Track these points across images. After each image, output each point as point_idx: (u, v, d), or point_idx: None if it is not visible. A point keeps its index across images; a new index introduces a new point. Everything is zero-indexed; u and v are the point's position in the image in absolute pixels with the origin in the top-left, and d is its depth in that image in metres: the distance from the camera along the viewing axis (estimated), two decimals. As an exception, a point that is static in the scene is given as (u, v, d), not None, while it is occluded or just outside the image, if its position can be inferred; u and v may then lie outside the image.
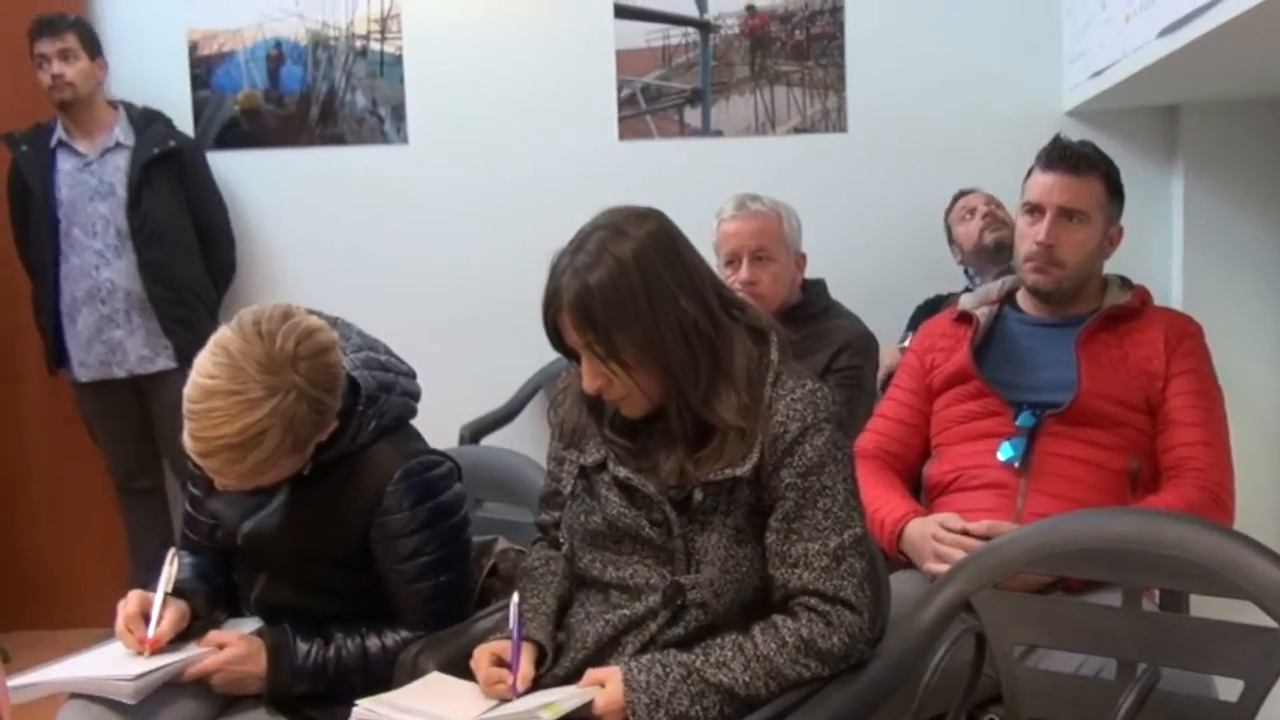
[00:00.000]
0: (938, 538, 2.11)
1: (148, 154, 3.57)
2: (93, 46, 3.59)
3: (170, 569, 1.87)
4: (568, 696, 1.56)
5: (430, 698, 1.66)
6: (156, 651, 1.78)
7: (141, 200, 3.55)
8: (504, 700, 1.63)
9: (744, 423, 1.62)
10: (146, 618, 1.81)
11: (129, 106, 3.71)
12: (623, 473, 1.67)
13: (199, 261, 3.67)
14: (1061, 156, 2.29)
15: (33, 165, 3.60)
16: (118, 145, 3.60)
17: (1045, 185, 2.28)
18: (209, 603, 1.91)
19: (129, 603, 1.83)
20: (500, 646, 1.69)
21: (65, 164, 3.60)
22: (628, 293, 1.58)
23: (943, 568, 1.97)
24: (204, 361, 1.66)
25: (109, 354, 3.58)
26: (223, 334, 1.68)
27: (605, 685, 1.57)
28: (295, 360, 1.66)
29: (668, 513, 1.63)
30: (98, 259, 3.56)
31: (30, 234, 3.64)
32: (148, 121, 3.67)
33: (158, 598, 1.83)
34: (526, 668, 1.65)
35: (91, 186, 3.58)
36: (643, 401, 1.65)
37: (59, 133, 3.62)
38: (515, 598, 1.70)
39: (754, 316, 1.74)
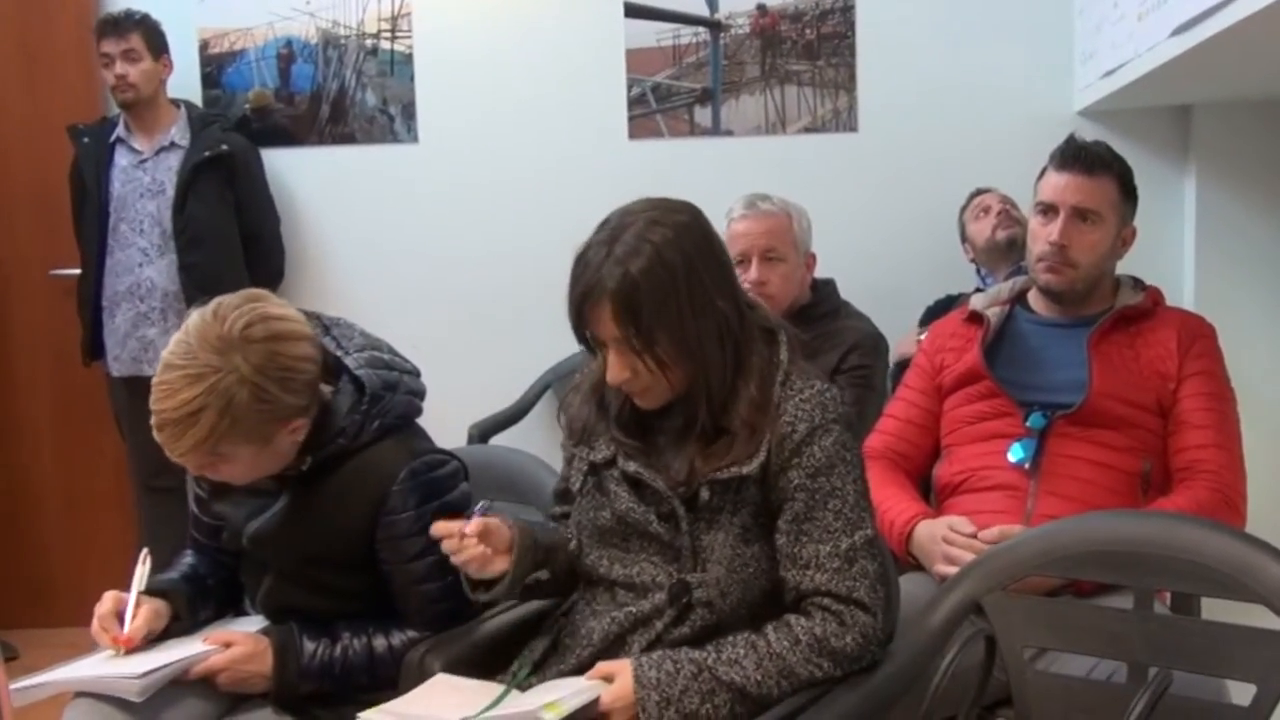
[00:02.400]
0: (948, 540, 2.10)
1: (198, 156, 3.56)
2: (157, 45, 3.58)
3: (143, 568, 1.88)
4: (572, 694, 1.55)
5: (430, 701, 1.65)
6: (133, 650, 1.79)
7: (187, 202, 3.54)
8: (500, 699, 1.62)
9: (755, 421, 1.62)
10: (121, 617, 1.82)
11: (190, 106, 3.72)
12: (632, 467, 1.67)
13: (242, 267, 3.63)
14: (1076, 156, 2.27)
15: (90, 158, 3.61)
16: (173, 145, 3.60)
17: (1059, 185, 2.27)
18: (190, 603, 1.91)
19: (103, 603, 1.84)
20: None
21: (121, 160, 3.61)
22: (670, 288, 1.57)
23: (952, 570, 1.96)
24: (171, 340, 1.70)
25: (141, 351, 3.58)
26: (193, 315, 1.72)
27: (614, 680, 1.56)
28: (242, 343, 1.67)
29: (676, 508, 1.63)
30: (141, 256, 3.57)
31: (81, 226, 3.66)
32: (205, 123, 3.66)
33: (131, 597, 1.84)
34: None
35: (144, 184, 3.58)
36: (664, 395, 1.65)
37: (119, 128, 3.63)
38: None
39: (764, 316, 1.74)
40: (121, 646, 1.79)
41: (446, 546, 1.64)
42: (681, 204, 1.67)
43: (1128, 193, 2.30)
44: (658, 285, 1.56)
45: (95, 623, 1.82)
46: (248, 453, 1.73)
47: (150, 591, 1.88)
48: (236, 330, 1.68)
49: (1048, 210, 2.29)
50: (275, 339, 1.71)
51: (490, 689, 1.66)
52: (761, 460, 1.61)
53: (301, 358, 1.74)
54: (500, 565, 1.66)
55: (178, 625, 1.89)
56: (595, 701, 1.55)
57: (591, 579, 1.74)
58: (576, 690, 1.56)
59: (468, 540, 1.62)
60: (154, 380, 1.68)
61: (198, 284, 3.50)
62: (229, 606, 2.01)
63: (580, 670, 1.65)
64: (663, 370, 1.60)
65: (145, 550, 1.93)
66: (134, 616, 1.82)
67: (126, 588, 1.88)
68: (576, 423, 1.78)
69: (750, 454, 1.61)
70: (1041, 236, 2.29)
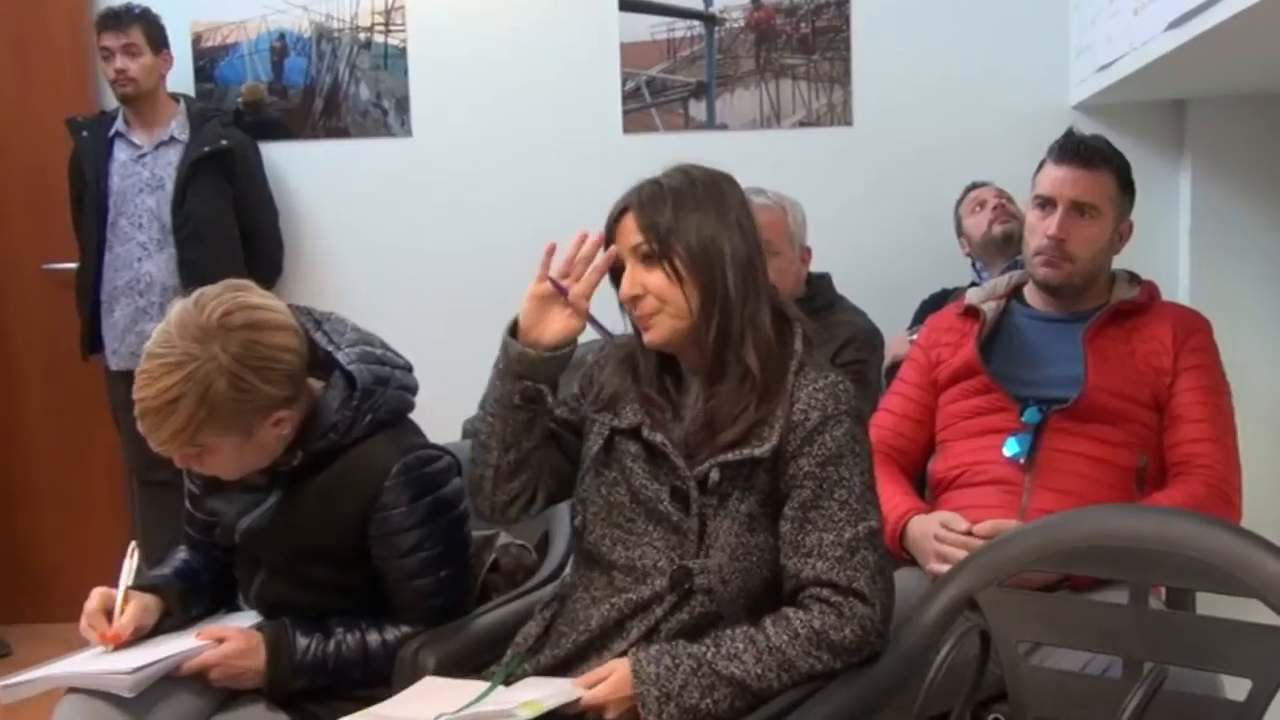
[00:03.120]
0: (940, 538, 2.09)
1: (198, 151, 3.56)
2: (158, 39, 3.59)
3: (130, 562, 1.88)
4: (551, 695, 1.54)
5: (414, 702, 1.64)
6: (122, 645, 1.79)
7: (186, 197, 3.54)
8: (482, 696, 1.61)
9: (761, 375, 1.63)
10: (110, 613, 1.82)
11: (189, 101, 3.72)
12: (659, 438, 1.67)
13: (241, 262, 3.62)
14: (1075, 150, 2.27)
15: (89, 152, 3.61)
16: (172, 140, 3.60)
17: (1057, 179, 2.27)
18: (182, 598, 1.91)
19: (91, 600, 1.83)
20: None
21: (121, 154, 3.61)
22: (695, 203, 1.66)
23: (945, 568, 1.97)
24: (155, 330, 1.73)
25: (140, 345, 3.56)
26: (176, 305, 1.74)
27: (612, 677, 1.55)
28: (220, 331, 1.68)
29: (690, 487, 1.63)
30: (140, 251, 3.57)
31: (80, 220, 3.66)
32: (204, 118, 3.66)
33: (119, 593, 1.84)
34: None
35: (143, 179, 3.58)
36: (673, 323, 1.66)
37: (118, 122, 3.63)
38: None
39: (782, 301, 1.75)
40: (110, 643, 1.78)
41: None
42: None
43: (1125, 187, 2.29)
44: (681, 194, 1.66)
45: (84, 620, 1.82)
46: (230, 444, 1.73)
47: (142, 587, 1.87)
48: (215, 319, 1.68)
49: (1045, 204, 2.28)
50: (253, 327, 1.71)
51: (478, 687, 1.65)
52: (773, 444, 1.61)
53: (281, 347, 1.73)
54: (576, 322, 1.71)
55: (170, 621, 1.88)
56: (575, 702, 1.54)
57: (591, 559, 1.73)
58: (558, 691, 1.55)
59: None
60: (137, 370, 1.69)
61: (197, 279, 3.45)
62: (222, 602, 2.01)
63: (575, 653, 1.66)
64: (676, 283, 1.64)
65: (133, 544, 1.93)
66: (121, 612, 1.81)
67: (119, 583, 1.88)
68: (608, 388, 1.78)
69: (764, 434, 1.61)
70: (1039, 230, 2.28)
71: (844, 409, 1.64)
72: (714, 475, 1.62)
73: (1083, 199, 2.25)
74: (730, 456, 1.62)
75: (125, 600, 1.83)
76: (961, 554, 1.98)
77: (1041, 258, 2.29)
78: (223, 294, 1.73)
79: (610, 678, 1.55)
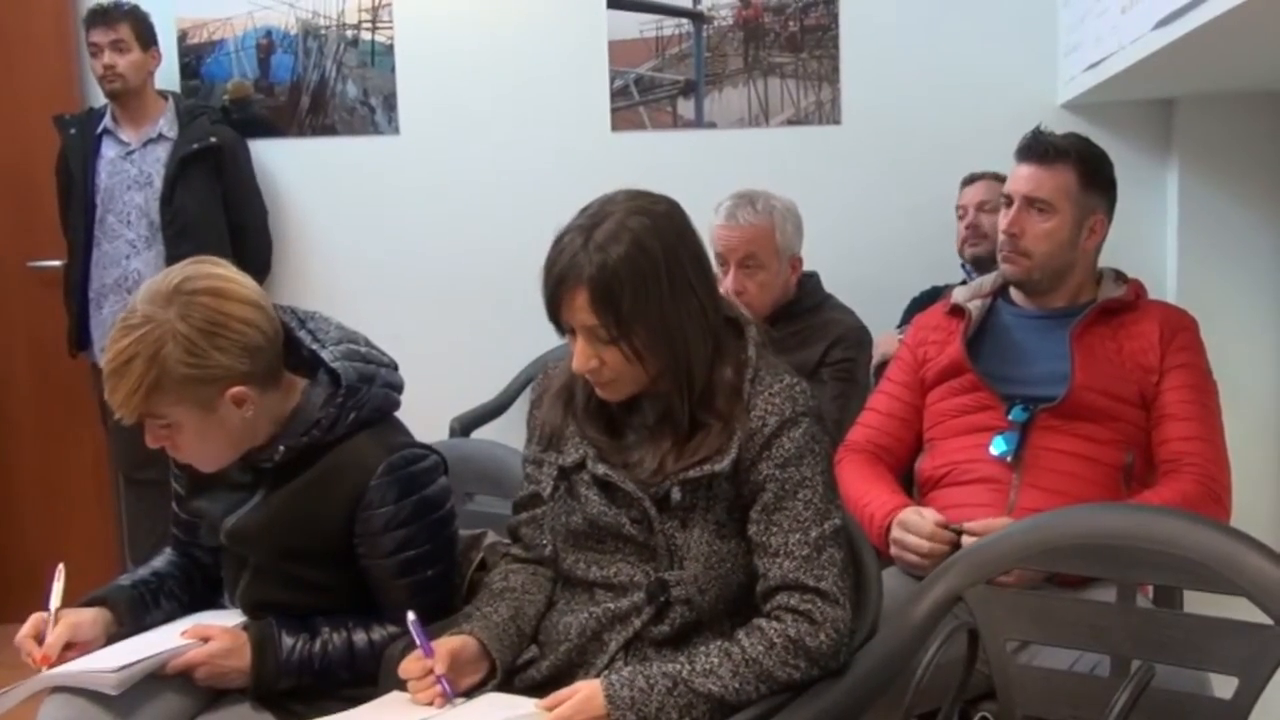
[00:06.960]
0: (906, 526, 2.11)
1: (186, 148, 3.56)
2: (146, 36, 3.58)
3: (58, 585, 1.88)
4: (511, 718, 1.52)
5: (374, 715, 1.63)
6: (53, 665, 1.76)
7: (175, 194, 3.53)
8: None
9: (730, 413, 1.61)
10: (42, 638, 1.80)
11: (177, 98, 3.71)
12: (601, 470, 1.65)
13: (229, 260, 3.61)
14: (1028, 147, 2.31)
15: (77, 149, 3.60)
16: (160, 137, 3.60)
17: (1015, 176, 2.32)
18: (132, 607, 1.90)
19: (24, 627, 1.83)
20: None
21: (108, 151, 3.60)
22: (651, 276, 1.55)
23: (910, 558, 2.07)
24: None
25: None
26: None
27: (577, 697, 1.52)
28: (177, 295, 1.69)
29: (648, 509, 1.61)
30: (129, 248, 3.56)
31: (68, 217, 3.65)
32: (193, 115, 3.66)
33: (50, 614, 1.83)
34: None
35: (131, 176, 3.57)
36: (631, 387, 1.63)
37: (106, 119, 3.62)
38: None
39: (731, 308, 1.73)
40: (42, 665, 1.76)
41: (412, 689, 1.62)
42: (661, 196, 1.65)
43: (1091, 183, 2.28)
44: (637, 273, 1.54)
45: (20, 650, 1.81)
46: (190, 419, 1.72)
47: (90, 600, 1.88)
48: (174, 284, 1.70)
49: (1008, 201, 2.32)
50: (211, 294, 1.72)
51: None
52: (733, 457, 1.60)
53: (240, 318, 1.73)
54: (477, 675, 1.65)
55: (121, 631, 1.87)
56: None
57: (570, 580, 1.72)
58: (518, 716, 1.54)
59: (428, 680, 1.60)
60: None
61: None
62: (199, 604, 1.99)
63: (557, 666, 1.65)
64: (639, 360, 1.58)
65: (60, 566, 1.91)
66: (51, 633, 1.80)
67: (106, 580, 1.90)
68: (547, 426, 1.75)
69: (722, 450, 1.60)
70: (1001, 227, 2.31)
71: (801, 410, 1.63)
72: (675, 494, 1.61)
73: (1034, 194, 2.27)
74: (691, 474, 1.60)
75: (56, 620, 1.81)
76: (925, 546, 2.06)
77: (1002, 254, 2.33)
78: (189, 265, 1.76)
79: (575, 698, 1.52)
